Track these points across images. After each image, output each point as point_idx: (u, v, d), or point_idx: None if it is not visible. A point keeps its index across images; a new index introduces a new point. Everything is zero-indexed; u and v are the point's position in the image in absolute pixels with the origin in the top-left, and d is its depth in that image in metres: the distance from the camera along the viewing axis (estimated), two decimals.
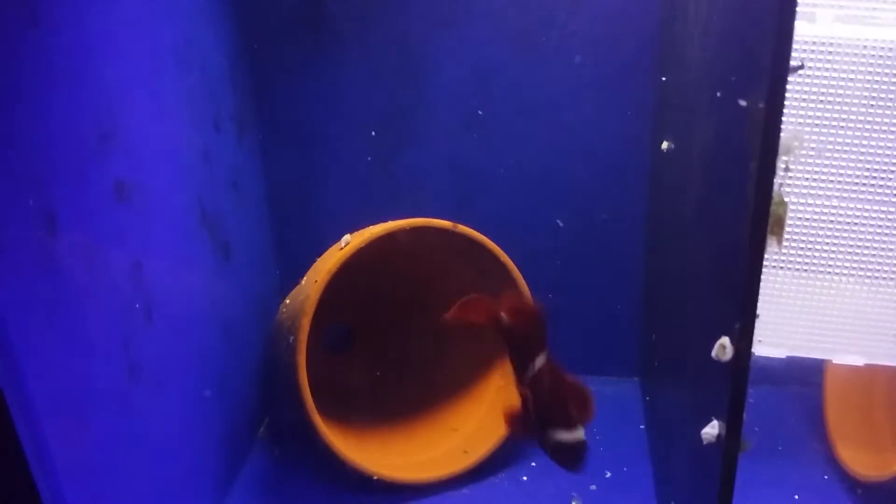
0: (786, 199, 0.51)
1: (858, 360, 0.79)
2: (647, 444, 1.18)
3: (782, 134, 0.49)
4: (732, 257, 0.57)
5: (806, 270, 0.82)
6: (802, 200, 0.72)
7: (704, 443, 0.65)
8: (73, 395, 0.71)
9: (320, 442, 1.01)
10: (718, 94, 0.64)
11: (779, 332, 0.78)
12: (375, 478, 1.04)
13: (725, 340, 0.58)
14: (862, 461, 1.06)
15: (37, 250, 0.66)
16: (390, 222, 1.04)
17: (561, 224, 1.25)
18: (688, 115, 0.84)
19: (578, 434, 0.82)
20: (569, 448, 0.82)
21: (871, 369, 1.10)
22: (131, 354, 0.81)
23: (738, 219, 0.54)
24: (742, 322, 0.55)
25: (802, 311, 0.80)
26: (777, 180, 0.51)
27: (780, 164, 0.50)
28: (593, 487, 1.09)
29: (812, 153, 0.60)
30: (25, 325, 0.64)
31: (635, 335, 1.33)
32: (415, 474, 1.08)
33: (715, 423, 0.64)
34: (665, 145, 1.00)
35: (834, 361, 0.80)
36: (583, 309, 1.32)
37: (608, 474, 1.11)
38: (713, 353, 0.60)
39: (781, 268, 0.83)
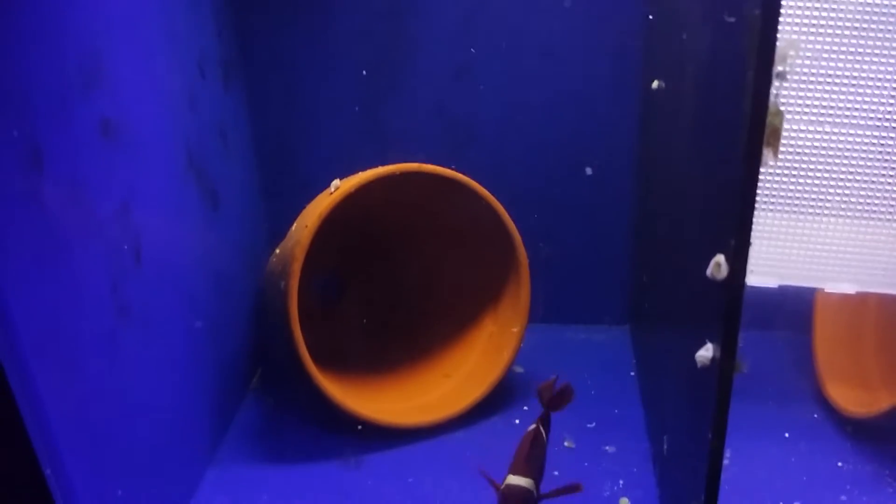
0: (781, 109, 0.50)
1: (849, 289, 0.79)
2: (637, 388, 1.19)
3: (778, 42, 0.49)
4: (728, 173, 0.57)
5: (797, 211, 0.82)
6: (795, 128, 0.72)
7: (699, 366, 0.65)
8: (61, 334, 0.71)
9: (313, 387, 1.01)
10: (712, 12, 0.64)
11: (770, 263, 0.78)
12: (369, 422, 1.04)
13: (720, 258, 0.58)
14: (851, 399, 1.07)
15: (23, 183, 0.65)
16: (380, 168, 1.04)
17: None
18: (679, 48, 0.84)
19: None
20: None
21: (860, 309, 1.11)
22: (120, 295, 0.81)
23: (733, 132, 0.54)
24: (737, 238, 0.55)
25: (794, 243, 0.80)
26: (773, 90, 0.51)
27: (776, 72, 0.49)
28: (590, 425, 1.10)
29: (807, 61, 0.60)
30: (11, 256, 0.63)
31: (625, 283, 1.34)
32: (409, 419, 1.08)
33: (709, 345, 0.64)
34: (655, 84, 0.99)
35: (826, 290, 0.81)
36: (573, 257, 1.32)
37: (599, 417, 1.12)
38: (708, 272, 0.60)
39: (772, 210, 0.83)
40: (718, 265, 0.58)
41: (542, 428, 0.91)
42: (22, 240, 0.65)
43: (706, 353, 0.64)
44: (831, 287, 0.80)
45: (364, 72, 1.20)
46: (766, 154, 0.52)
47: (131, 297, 0.83)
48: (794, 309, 1.19)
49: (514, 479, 0.82)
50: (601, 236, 1.31)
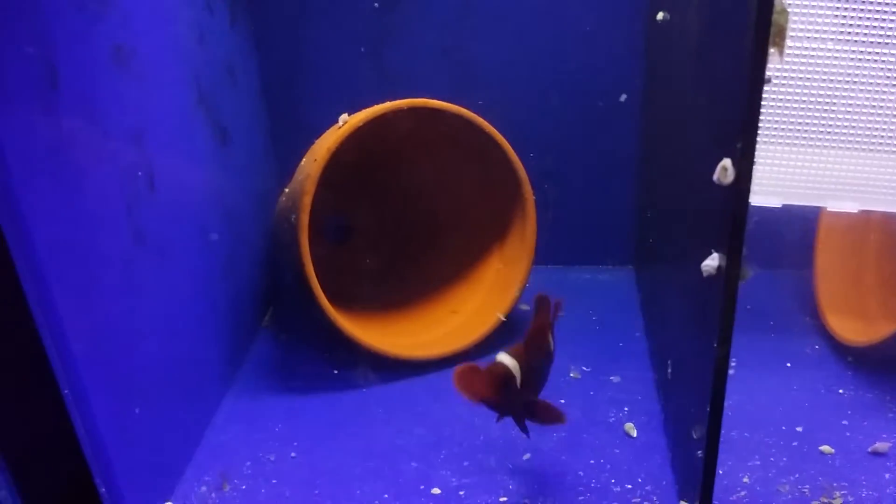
0: (786, 7, 0.51)
1: (852, 207, 0.80)
2: (641, 322, 1.21)
3: None
4: (734, 75, 0.58)
5: (800, 141, 0.83)
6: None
7: (705, 275, 0.67)
8: (79, 255, 0.72)
9: (324, 321, 1.03)
10: None
11: (773, 184, 0.79)
12: (378, 354, 1.07)
13: (727, 162, 0.59)
14: (851, 329, 1.09)
15: (39, 100, 0.66)
16: (388, 102, 1.04)
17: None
18: None
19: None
20: None
21: (859, 242, 1.13)
22: (135, 220, 0.82)
23: (740, 33, 0.55)
24: (744, 140, 0.56)
25: (796, 168, 0.81)
26: None
27: None
28: (596, 357, 1.13)
29: None
30: (29, 173, 0.65)
31: (630, 223, 1.35)
32: (417, 352, 1.10)
33: (715, 255, 0.66)
34: (661, 16, 1.00)
35: (828, 209, 0.82)
36: (579, 198, 1.33)
37: (604, 349, 1.15)
38: (715, 177, 0.61)
39: (774, 143, 0.84)
40: (725, 169, 0.59)
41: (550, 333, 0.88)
42: (40, 157, 0.67)
43: (712, 262, 0.66)
44: (833, 206, 0.82)
45: (376, 4, 1.20)
46: (773, 53, 0.53)
47: (146, 223, 0.84)
48: (795, 246, 1.21)
49: (502, 357, 0.80)
50: (606, 177, 1.32)
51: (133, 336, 0.83)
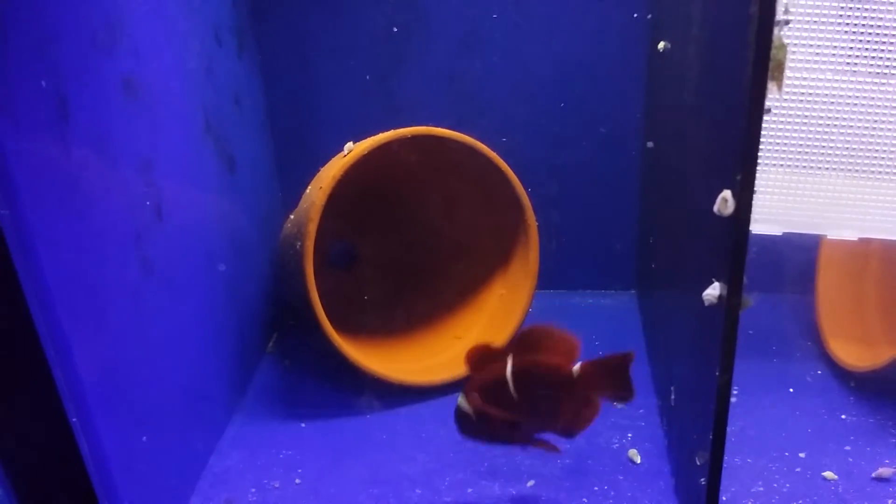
0: (785, 43, 0.53)
1: (852, 235, 0.81)
2: (644, 347, 1.22)
3: None
4: (734, 108, 0.59)
5: (800, 167, 0.84)
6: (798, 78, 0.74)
7: (706, 304, 0.68)
8: (88, 284, 0.73)
9: (329, 347, 1.04)
10: None
11: (774, 213, 0.80)
12: (382, 379, 1.07)
13: (727, 193, 0.60)
14: (853, 354, 1.09)
15: (50, 132, 0.68)
16: (392, 131, 1.06)
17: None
18: (686, 7, 0.86)
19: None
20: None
21: (860, 267, 1.14)
22: (143, 250, 0.83)
23: (739, 68, 0.56)
24: (743, 172, 0.57)
25: (797, 195, 0.82)
26: (777, 27, 0.53)
27: (781, 8, 0.51)
28: None
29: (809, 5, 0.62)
30: (40, 204, 0.66)
31: (632, 248, 1.36)
32: (421, 377, 1.11)
33: (716, 284, 0.67)
34: (662, 45, 1.02)
35: (829, 236, 0.83)
36: (581, 223, 1.34)
37: None
38: (715, 208, 0.62)
39: (775, 165, 0.85)
40: (725, 200, 0.60)
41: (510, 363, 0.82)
42: (50, 188, 0.68)
43: (713, 291, 0.66)
44: (833, 234, 0.82)
45: (395, 28, 1.22)
46: (771, 87, 0.54)
47: (154, 252, 0.85)
48: (796, 271, 1.22)
49: (459, 398, 0.84)
50: (609, 202, 1.33)
51: (140, 364, 0.83)
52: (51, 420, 0.74)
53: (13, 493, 0.77)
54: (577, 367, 0.78)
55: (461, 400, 0.83)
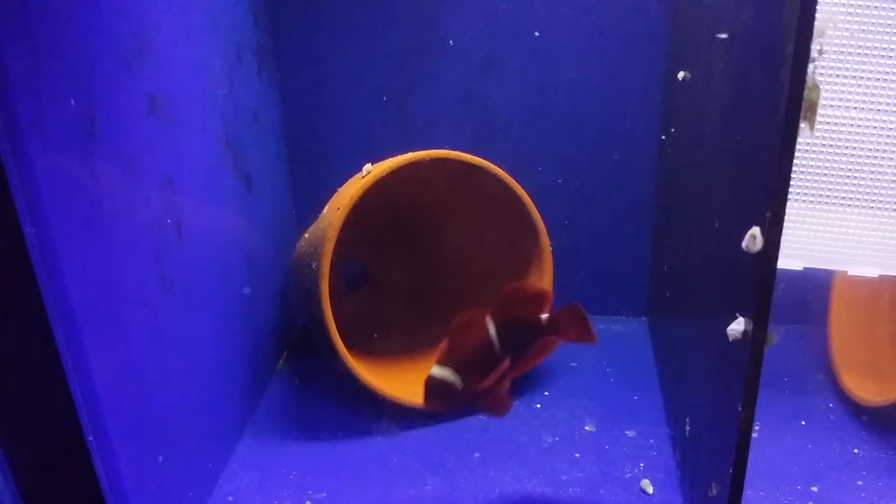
0: (818, 83, 0.53)
1: (872, 272, 0.81)
2: (656, 375, 1.22)
3: (817, 16, 0.51)
4: (763, 147, 0.59)
5: (822, 202, 0.84)
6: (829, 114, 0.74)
7: (730, 339, 0.68)
8: (108, 301, 0.73)
9: (341, 367, 1.04)
10: None
11: (795, 247, 0.81)
12: (395, 402, 1.07)
13: (756, 230, 0.60)
14: (866, 388, 1.09)
15: (77, 150, 0.68)
16: (410, 153, 1.06)
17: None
18: (708, 38, 0.86)
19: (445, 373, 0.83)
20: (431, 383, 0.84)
21: (873, 301, 1.14)
22: (163, 268, 0.83)
23: (770, 106, 0.56)
24: (773, 209, 0.58)
25: (819, 230, 0.83)
26: (810, 66, 0.53)
27: (815, 47, 0.52)
28: (610, 411, 1.13)
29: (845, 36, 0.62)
30: (66, 220, 0.66)
31: (644, 275, 1.36)
32: None
33: (740, 319, 0.67)
34: (682, 75, 1.02)
35: (849, 273, 0.83)
36: (594, 249, 1.34)
37: (619, 402, 1.15)
38: (743, 245, 0.62)
39: (797, 200, 0.85)
40: (754, 237, 0.60)
41: (492, 323, 0.85)
42: (76, 206, 0.68)
43: (738, 326, 0.66)
44: (854, 270, 0.82)
45: (412, 49, 1.22)
46: (804, 127, 0.55)
47: (173, 270, 0.85)
48: (808, 304, 1.22)
49: (435, 370, 0.83)
50: (622, 229, 1.33)
51: (157, 382, 0.83)
52: (66, 437, 0.74)
53: None
54: (545, 316, 0.86)
55: (440, 370, 0.82)
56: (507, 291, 0.86)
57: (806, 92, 0.53)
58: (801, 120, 0.54)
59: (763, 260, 0.60)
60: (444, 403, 0.84)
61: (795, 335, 1.29)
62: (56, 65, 0.64)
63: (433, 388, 0.83)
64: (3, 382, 0.74)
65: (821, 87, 0.57)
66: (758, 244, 0.60)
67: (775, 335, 0.64)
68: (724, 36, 0.75)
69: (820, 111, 0.60)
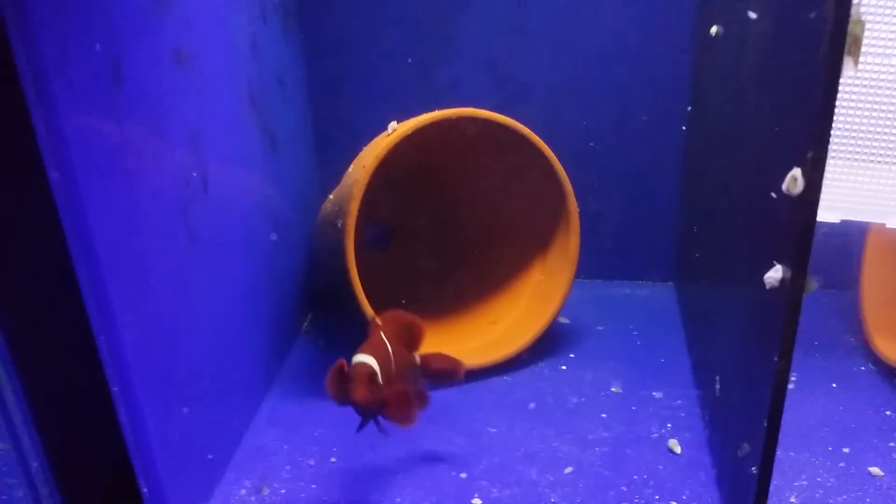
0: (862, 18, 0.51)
1: None
2: (683, 338, 1.20)
3: None
4: (806, 83, 0.57)
5: (858, 159, 0.82)
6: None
7: (767, 287, 0.66)
8: (135, 251, 0.73)
9: (365, 325, 1.03)
10: None
11: (832, 199, 0.79)
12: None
13: (797, 171, 0.58)
14: None
15: (104, 96, 0.67)
16: (436, 111, 1.05)
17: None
18: None
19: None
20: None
21: None
22: (189, 221, 0.83)
23: (812, 42, 0.54)
24: (815, 149, 0.56)
25: (857, 182, 0.81)
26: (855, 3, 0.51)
27: None
28: (637, 372, 1.12)
29: None
30: (92, 167, 0.66)
31: (672, 240, 1.34)
32: None
33: (778, 266, 0.65)
34: (714, 29, 1.00)
35: (887, 225, 0.81)
36: (622, 214, 1.33)
37: (646, 364, 1.14)
38: (784, 187, 0.60)
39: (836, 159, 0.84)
40: (795, 179, 0.59)
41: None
42: (101, 153, 0.67)
43: (775, 273, 0.65)
44: (893, 223, 0.81)
45: (438, 10, 1.20)
46: (847, 62, 0.53)
47: (199, 224, 0.85)
48: (838, 269, 1.19)
49: (358, 357, 0.80)
50: (650, 192, 1.31)
51: (182, 334, 0.83)
52: (90, 388, 0.74)
53: (47, 463, 0.77)
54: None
55: (364, 357, 0.80)
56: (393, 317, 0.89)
57: (850, 26, 0.52)
58: (844, 55, 0.52)
59: (803, 202, 0.59)
60: (368, 392, 0.78)
61: (824, 299, 1.27)
62: (81, 6, 0.63)
63: (361, 373, 0.78)
64: (28, 332, 0.74)
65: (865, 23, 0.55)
66: (798, 186, 0.58)
67: (814, 281, 0.63)
68: None
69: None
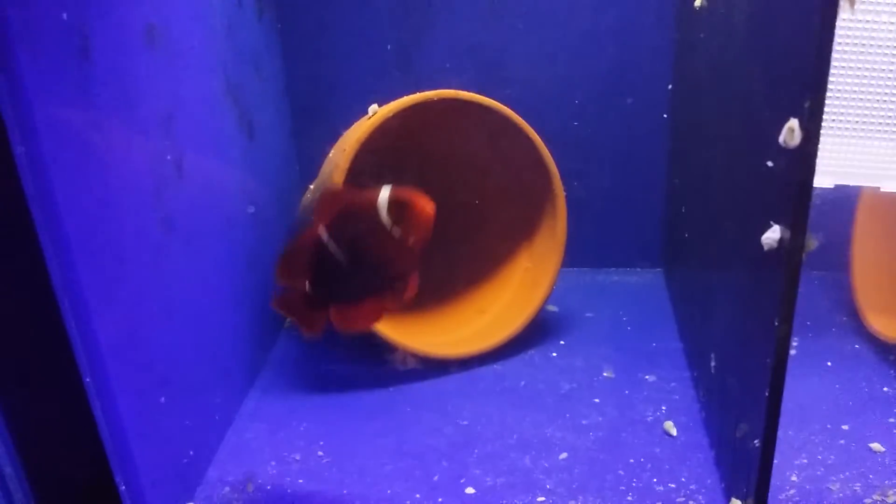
0: None
1: None
2: (674, 323, 1.18)
3: None
4: (801, 30, 0.55)
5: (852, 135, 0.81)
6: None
7: (765, 249, 0.64)
8: (107, 236, 0.70)
9: None
10: None
11: (826, 164, 0.77)
12: (405, 351, 1.04)
13: (794, 122, 0.56)
14: (893, 327, 1.06)
15: (71, 70, 0.64)
16: (417, 94, 1.02)
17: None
18: None
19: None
20: None
21: None
22: (164, 205, 0.80)
23: None
24: (812, 97, 0.54)
25: (849, 147, 0.79)
26: None
27: None
28: (629, 357, 1.10)
29: None
30: (60, 146, 0.63)
31: (659, 226, 1.32)
32: (445, 350, 1.08)
33: (776, 227, 0.63)
34: (699, 2, 0.98)
35: (882, 189, 0.80)
36: (608, 200, 1.31)
37: (637, 349, 1.12)
38: (781, 139, 0.58)
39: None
40: (792, 130, 0.57)
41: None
42: (70, 129, 0.64)
43: (773, 234, 0.63)
44: (887, 186, 0.79)
45: (393, 17, 1.18)
46: (844, 4, 0.51)
47: (174, 210, 0.82)
48: (828, 250, 1.18)
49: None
50: (635, 178, 1.29)
51: (159, 325, 0.80)
52: (63, 380, 0.70)
53: (19, 461, 0.73)
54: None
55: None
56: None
57: None
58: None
59: (802, 153, 0.57)
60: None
61: (816, 281, 1.26)
62: None
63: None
64: None
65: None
66: (796, 137, 0.56)
67: (813, 240, 0.61)
68: None
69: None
